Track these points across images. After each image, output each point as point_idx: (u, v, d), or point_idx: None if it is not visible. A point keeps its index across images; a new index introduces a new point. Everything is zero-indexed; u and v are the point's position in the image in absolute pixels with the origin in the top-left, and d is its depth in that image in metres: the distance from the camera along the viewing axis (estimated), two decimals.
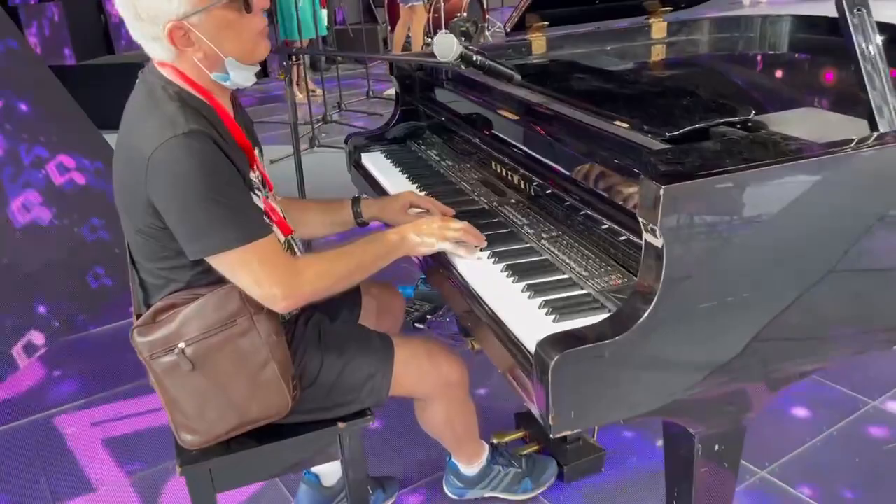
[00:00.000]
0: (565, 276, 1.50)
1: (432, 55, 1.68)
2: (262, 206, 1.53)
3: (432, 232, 1.59)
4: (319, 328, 1.68)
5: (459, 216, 1.81)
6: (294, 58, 2.18)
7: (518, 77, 1.74)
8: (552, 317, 1.34)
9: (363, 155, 2.45)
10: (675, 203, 1.13)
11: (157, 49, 1.41)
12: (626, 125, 1.55)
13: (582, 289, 1.45)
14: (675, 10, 2.66)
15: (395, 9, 8.81)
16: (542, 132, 1.78)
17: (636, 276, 1.25)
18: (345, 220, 1.90)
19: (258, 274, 1.42)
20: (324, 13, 7.61)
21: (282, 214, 1.66)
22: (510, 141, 1.92)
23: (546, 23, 2.55)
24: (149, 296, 1.53)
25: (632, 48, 2.63)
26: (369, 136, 2.51)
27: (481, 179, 2.05)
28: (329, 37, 8.62)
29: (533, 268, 1.54)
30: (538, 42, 2.55)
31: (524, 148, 1.85)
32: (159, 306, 1.48)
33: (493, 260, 1.59)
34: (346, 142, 2.52)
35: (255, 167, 1.56)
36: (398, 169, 2.27)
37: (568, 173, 1.65)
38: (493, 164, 2.00)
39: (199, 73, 1.45)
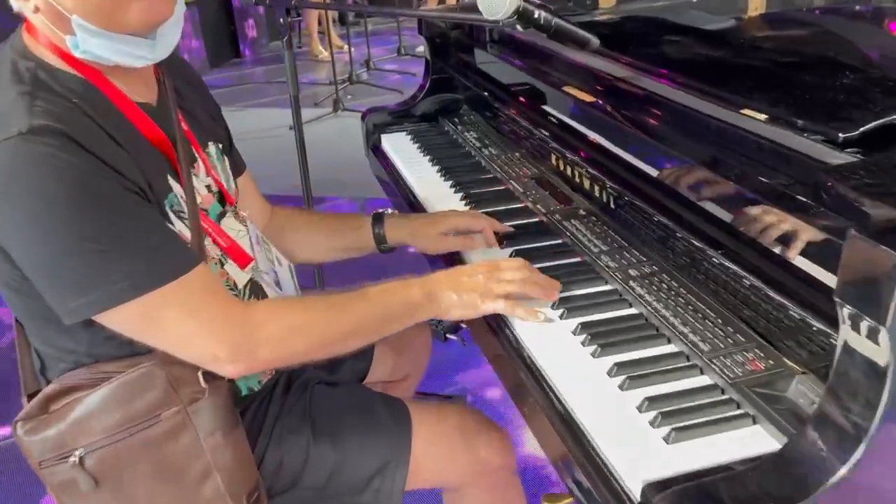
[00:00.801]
0: (673, 349, 1.00)
1: (475, 10, 1.18)
2: (186, 230, 1.04)
3: (475, 286, 1.09)
4: (306, 399, 1.21)
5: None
6: (293, 13, 1.71)
7: (595, 41, 1.23)
8: (663, 430, 0.86)
9: (384, 137, 1.95)
10: None
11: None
12: (762, 117, 1.03)
13: (702, 373, 0.95)
14: None
15: None
16: (628, 120, 1.27)
17: (789, 360, 0.76)
18: (362, 243, 1.39)
19: (182, 329, 0.96)
20: None
21: (247, 242, 1.18)
22: (580, 129, 1.41)
23: None
24: (46, 367, 1.07)
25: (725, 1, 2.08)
26: (392, 113, 2.01)
27: (537, 177, 1.54)
28: None
29: (622, 331, 1.05)
30: None
31: (601, 140, 1.34)
32: (52, 390, 1.01)
33: (561, 313, 1.10)
34: (363, 119, 2.02)
35: (181, 174, 1.06)
36: (427, 157, 1.77)
37: (668, 184, 1.15)
38: (555, 158, 1.49)
39: (53, 34, 0.95)
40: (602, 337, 1.03)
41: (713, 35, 1.54)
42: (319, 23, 6.98)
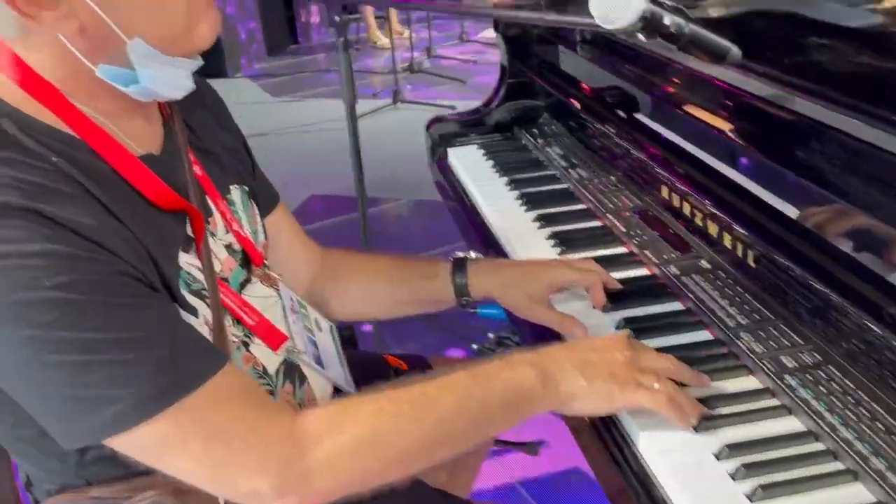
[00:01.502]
0: (870, 501, 0.72)
1: (571, 10, 0.92)
2: (201, 319, 0.79)
3: (613, 370, 0.80)
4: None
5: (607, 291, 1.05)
6: (350, 10, 1.47)
7: (737, 52, 0.95)
8: None
9: (451, 151, 1.69)
10: None
11: None
12: None
13: None
14: None
15: None
16: (768, 150, 0.98)
17: None
18: (437, 296, 1.10)
19: (211, 454, 0.72)
20: None
21: (278, 313, 0.94)
22: (698, 156, 1.12)
23: None
24: (31, 488, 0.85)
25: None
26: (463, 122, 1.74)
27: (641, 210, 1.26)
28: None
29: (792, 461, 0.76)
30: None
31: (728, 172, 1.05)
32: None
33: (706, 428, 0.82)
34: (427, 129, 1.77)
35: (202, 242, 0.82)
36: (503, 179, 1.50)
37: (825, 237, 0.86)
38: (665, 189, 1.20)
39: (66, 70, 0.72)
40: (762, 470, 0.75)
41: (871, 38, 1.23)
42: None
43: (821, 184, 0.88)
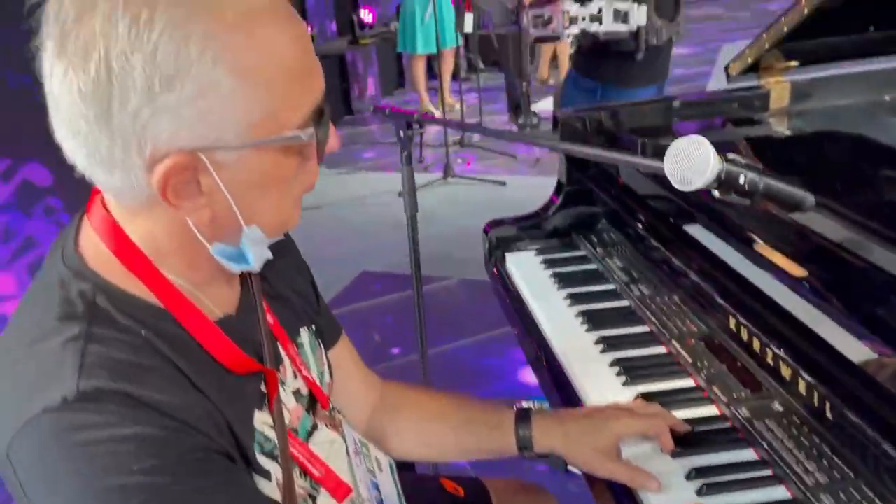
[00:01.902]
0: None
1: (626, 148, 0.91)
2: (273, 482, 0.80)
3: None
4: None
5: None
6: (413, 126, 1.51)
7: (811, 200, 0.93)
8: None
9: (509, 256, 1.69)
10: None
11: (115, 184, 0.70)
12: None
13: None
14: None
15: None
16: (845, 302, 0.95)
17: None
18: (500, 445, 1.09)
19: None
20: (468, 16, 6.95)
21: (342, 459, 0.94)
22: (766, 294, 1.10)
23: (793, 63, 1.69)
24: None
25: None
26: (521, 227, 1.75)
27: (707, 339, 1.23)
28: (471, 44, 7.93)
29: None
30: (780, 91, 1.69)
31: (799, 315, 1.02)
32: None
33: None
34: (485, 232, 1.77)
35: (275, 400, 0.83)
36: (562, 292, 1.49)
37: None
38: (732, 320, 1.18)
39: (174, 244, 0.75)
40: None
41: None
42: (434, 77, 6.92)
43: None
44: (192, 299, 0.77)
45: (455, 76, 7.23)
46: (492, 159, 5.32)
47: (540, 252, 1.68)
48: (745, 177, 0.85)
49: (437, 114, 6.22)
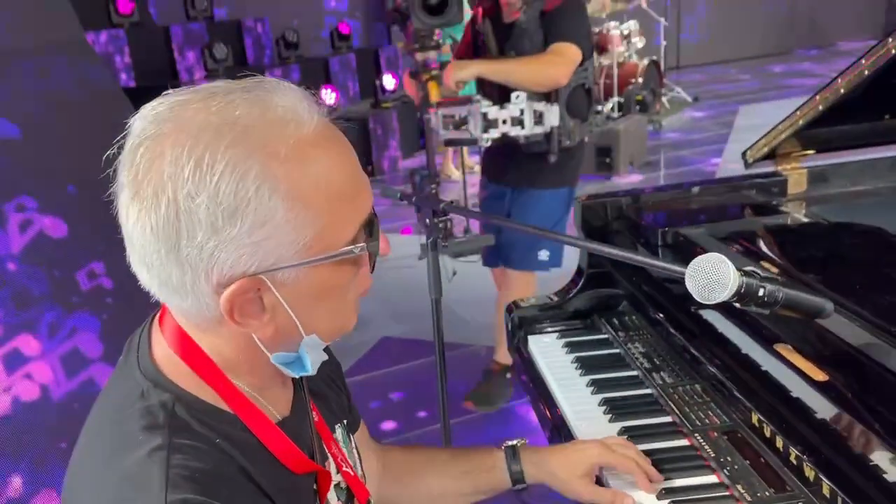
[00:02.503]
0: None
1: (646, 235, 0.94)
2: None
3: None
4: None
5: None
6: (440, 213, 1.57)
7: (830, 308, 0.96)
8: None
9: (531, 339, 1.72)
10: None
11: (185, 306, 0.77)
12: None
13: None
14: None
15: None
16: (867, 413, 0.97)
17: None
18: (496, 484, 1.21)
19: None
20: None
21: None
22: (792, 397, 1.12)
23: (810, 151, 1.73)
24: None
25: None
26: (542, 307, 1.78)
27: (730, 432, 1.24)
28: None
29: None
30: (796, 177, 1.74)
31: (829, 429, 1.04)
32: None
33: None
34: (507, 312, 1.81)
35: (326, 494, 0.89)
36: (585, 379, 1.51)
37: None
38: (755, 416, 1.19)
39: (237, 356, 0.81)
40: None
41: None
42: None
43: None
44: (255, 404, 0.82)
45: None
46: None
47: (562, 335, 1.71)
48: (765, 290, 0.88)
49: (457, 174, 6.32)
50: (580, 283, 1.76)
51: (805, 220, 1.57)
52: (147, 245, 0.72)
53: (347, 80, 8.24)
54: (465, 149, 6.57)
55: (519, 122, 2.40)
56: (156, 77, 6.59)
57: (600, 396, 1.44)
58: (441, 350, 1.63)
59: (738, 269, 0.87)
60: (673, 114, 8.71)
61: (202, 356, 0.80)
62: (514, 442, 1.22)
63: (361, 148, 7.17)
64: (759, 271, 0.89)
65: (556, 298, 1.79)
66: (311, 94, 0.77)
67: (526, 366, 1.67)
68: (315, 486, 0.88)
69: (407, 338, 3.70)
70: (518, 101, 2.39)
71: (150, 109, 0.73)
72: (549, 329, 1.75)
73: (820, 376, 1.04)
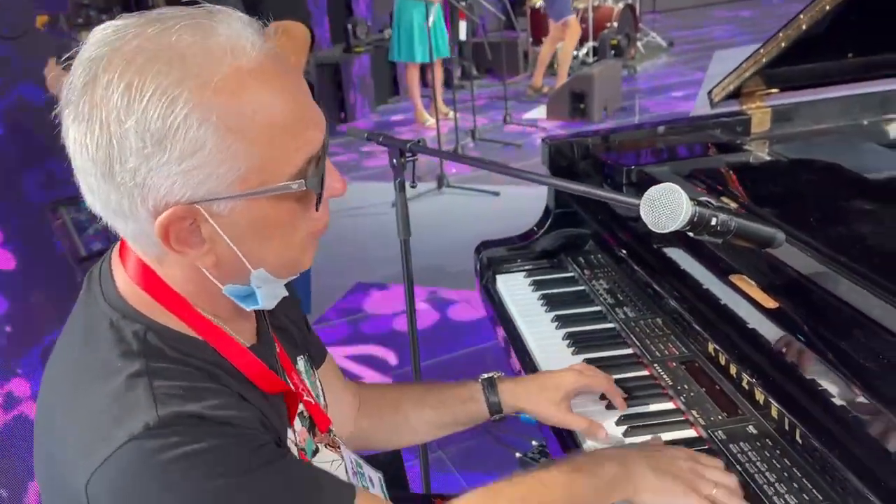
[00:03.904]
0: None
1: (612, 174, 0.96)
2: None
3: (678, 473, 0.99)
4: None
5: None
6: (406, 154, 1.58)
7: (782, 238, 0.98)
8: None
9: (499, 278, 1.74)
10: None
11: (128, 230, 0.78)
12: None
13: None
14: None
15: (540, 21, 8.07)
16: (815, 338, 1.01)
17: None
18: (475, 415, 1.24)
19: None
20: (462, 25, 7.00)
21: (343, 474, 1.00)
22: (745, 326, 1.16)
23: (774, 89, 1.75)
24: None
25: None
26: (510, 247, 1.80)
27: (687, 362, 1.29)
28: (465, 51, 8.00)
29: None
30: (760, 115, 1.76)
31: (778, 353, 1.08)
32: None
33: None
34: (476, 252, 1.83)
35: (294, 417, 0.92)
36: (550, 314, 1.54)
37: (866, 435, 0.88)
38: (710, 346, 1.23)
39: (193, 283, 0.82)
40: None
41: None
42: (424, 85, 6.96)
43: (862, 381, 0.90)
44: (225, 332, 0.84)
45: (447, 84, 7.29)
46: (485, 170, 5.37)
47: (529, 274, 1.74)
48: (717, 219, 0.91)
49: (432, 122, 6.28)
50: (547, 223, 1.78)
51: (766, 157, 1.59)
52: (86, 168, 0.72)
53: (316, 24, 8.07)
54: (438, 96, 6.53)
55: None
56: None
57: (564, 331, 1.47)
58: (410, 289, 1.65)
59: (692, 199, 0.89)
60: (648, 59, 8.67)
61: (165, 287, 0.80)
62: (491, 374, 1.25)
63: (333, 94, 7.07)
64: (712, 201, 0.92)
65: (523, 239, 1.82)
66: (262, 26, 0.77)
67: (494, 304, 1.70)
68: (286, 416, 0.90)
69: (379, 283, 3.73)
70: None
71: (99, 31, 0.73)
72: (517, 269, 1.77)
73: (771, 304, 1.07)
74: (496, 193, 4.72)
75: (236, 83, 0.72)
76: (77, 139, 0.72)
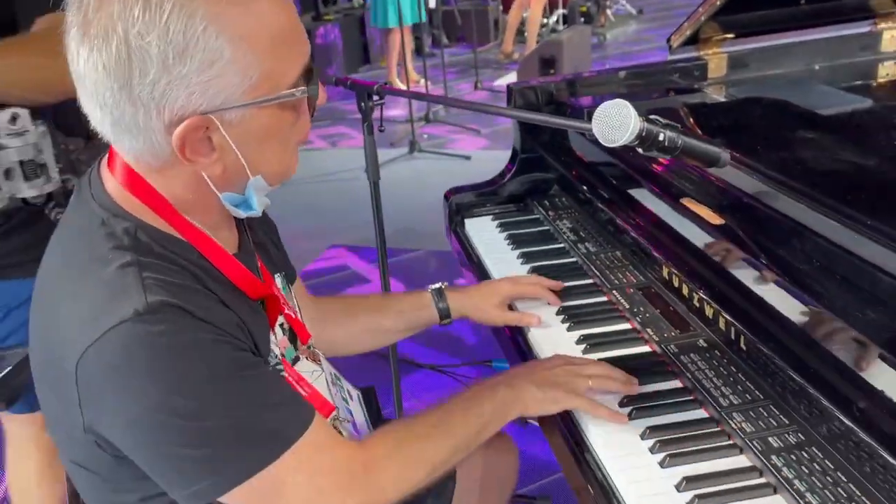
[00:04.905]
0: None
1: (574, 117, 1.01)
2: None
3: (556, 381, 1.09)
4: None
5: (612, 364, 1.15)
6: (373, 97, 1.61)
7: (726, 157, 1.05)
8: None
9: (468, 222, 1.80)
10: None
11: (136, 146, 0.82)
12: None
13: None
14: None
15: None
16: (752, 247, 1.08)
17: None
18: (426, 321, 1.38)
19: (312, 488, 0.88)
20: None
21: (323, 385, 1.07)
22: (693, 244, 1.23)
23: (729, 35, 1.81)
24: None
25: (851, 67, 1.85)
26: (479, 193, 1.85)
27: (644, 288, 1.36)
28: (435, 20, 7.98)
29: None
30: (717, 61, 1.82)
31: (717, 262, 1.15)
32: None
33: (681, 487, 0.92)
34: (445, 199, 1.88)
35: (275, 323, 0.99)
36: (516, 252, 1.60)
37: (801, 331, 0.96)
38: (665, 269, 1.31)
39: (188, 193, 0.86)
40: None
41: (853, 128, 1.33)
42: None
43: (800, 285, 0.97)
44: (211, 238, 0.89)
45: (419, 52, 7.28)
46: (457, 133, 5.41)
47: (496, 217, 1.79)
48: (665, 135, 0.97)
49: (404, 89, 6.28)
50: (514, 168, 1.84)
51: (721, 98, 1.66)
52: (99, 83, 0.76)
53: None
54: (409, 63, 6.53)
55: None
56: None
57: (529, 266, 1.54)
58: (380, 230, 1.70)
59: (640, 116, 0.95)
60: (618, 27, 8.71)
61: (153, 192, 0.85)
62: (439, 285, 1.37)
63: None
64: (660, 119, 0.98)
65: (491, 185, 1.87)
66: None
67: (463, 246, 1.76)
68: (267, 320, 0.96)
69: (353, 245, 3.77)
70: None
71: None
72: (485, 213, 1.83)
73: (717, 220, 1.14)
74: (468, 157, 4.77)
75: None
76: (89, 57, 0.75)
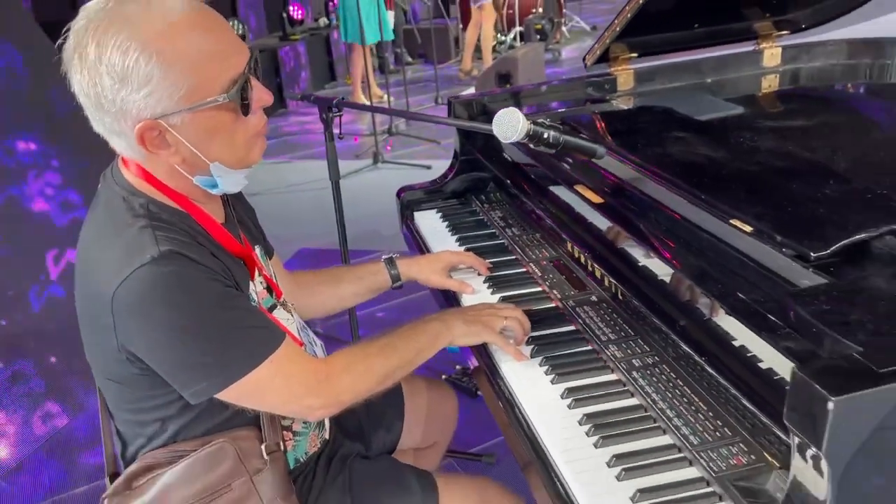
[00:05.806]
0: (666, 441, 1.12)
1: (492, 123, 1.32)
2: None
3: (479, 319, 1.37)
4: (346, 474, 1.36)
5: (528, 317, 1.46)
6: (333, 109, 1.90)
7: (602, 151, 1.37)
8: None
9: (416, 214, 2.10)
10: (853, 420, 0.74)
11: (121, 145, 1.12)
12: (748, 228, 1.16)
13: (691, 465, 1.06)
14: (794, 34, 2.21)
15: (468, 7, 8.44)
16: (625, 223, 1.40)
17: (768, 455, 0.92)
18: (381, 285, 1.66)
19: (286, 390, 1.18)
20: (390, 14, 7.30)
21: (294, 329, 1.35)
22: (587, 221, 1.54)
23: (634, 54, 2.14)
24: (127, 448, 1.24)
25: (738, 81, 2.20)
26: (426, 191, 2.16)
27: (554, 260, 1.67)
28: (397, 39, 8.31)
29: (623, 423, 1.16)
30: (625, 76, 2.15)
31: (608, 239, 1.47)
32: (135, 469, 1.19)
33: (569, 403, 1.22)
34: (398, 196, 2.18)
35: (255, 276, 1.27)
36: (454, 237, 1.91)
37: (660, 285, 1.27)
38: (569, 244, 1.62)
39: (174, 177, 1.15)
40: (605, 428, 1.15)
41: (718, 130, 1.66)
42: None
43: (656, 250, 1.29)
44: (202, 209, 1.17)
45: (381, 69, 7.60)
46: (418, 146, 5.72)
47: (440, 210, 2.10)
48: (549, 133, 1.28)
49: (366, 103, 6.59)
50: (455, 169, 2.15)
51: (624, 107, 1.99)
52: (86, 102, 1.06)
53: (252, 14, 8.28)
54: (372, 80, 6.84)
55: None
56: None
57: (465, 247, 1.84)
58: (341, 222, 1.99)
59: (528, 119, 1.26)
60: (573, 42, 9.13)
61: (153, 178, 1.14)
62: (391, 255, 1.67)
63: (272, 81, 7.31)
64: (546, 121, 1.29)
65: (436, 184, 2.18)
66: None
67: (413, 235, 2.06)
68: (248, 275, 1.25)
69: (320, 248, 4.05)
70: None
71: (85, 7, 1.04)
72: (431, 207, 2.13)
73: (599, 200, 1.46)
74: (428, 167, 5.08)
75: (170, 31, 1.04)
76: (75, 83, 1.05)
